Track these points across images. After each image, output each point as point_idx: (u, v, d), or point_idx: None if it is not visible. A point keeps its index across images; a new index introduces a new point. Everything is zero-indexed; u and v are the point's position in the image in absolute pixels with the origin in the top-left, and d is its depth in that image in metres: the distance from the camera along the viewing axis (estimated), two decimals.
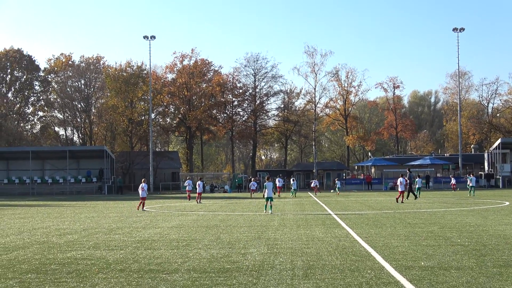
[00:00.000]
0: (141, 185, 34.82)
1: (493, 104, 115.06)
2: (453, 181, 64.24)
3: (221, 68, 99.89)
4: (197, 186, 43.37)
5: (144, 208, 34.13)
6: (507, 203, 35.72)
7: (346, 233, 18.32)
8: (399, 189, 38.15)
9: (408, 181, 43.61)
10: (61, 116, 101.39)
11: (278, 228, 20.39)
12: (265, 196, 29.48)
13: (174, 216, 27.84)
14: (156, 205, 40.22)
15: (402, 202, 37.35)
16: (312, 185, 61.92)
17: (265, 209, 29.36)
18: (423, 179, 68.03)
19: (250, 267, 11.98)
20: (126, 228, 21.85)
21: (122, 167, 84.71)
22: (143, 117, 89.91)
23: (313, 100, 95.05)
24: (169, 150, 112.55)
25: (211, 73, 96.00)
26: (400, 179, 38.53)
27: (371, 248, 14.45)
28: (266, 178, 32.21)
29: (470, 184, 49.85)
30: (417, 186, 44.67)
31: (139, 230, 20.88)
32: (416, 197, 42.38)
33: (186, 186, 49.28)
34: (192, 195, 47.77)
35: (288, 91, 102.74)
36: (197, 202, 41.33)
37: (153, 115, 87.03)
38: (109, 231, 20.77)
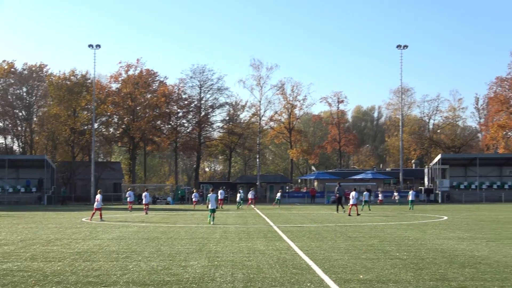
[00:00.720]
0: (97, 196, 35.53)
1: (434, 120, 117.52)
2: (380, 196, 63.98)
3: (167, 79, 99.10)
4: (143, 197, 43.56)
5: (102, 219, 34.68)
6: (446, 217, 36.42)
7: (287, 246, 18.38)
8: (351, 202, 39.01)
9: (338, 194, 44.78)
10: (0, 124, 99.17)
11: (219, 241, 20.34)
12: (209, 207, 30.04)
13: (114, 228, 27.50)
14: (96, 216, 39.64)
15: (358, 214, 38.68)
16: (249, 196, 62.33)
17: (209, 221, 29.70)
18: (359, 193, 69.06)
19: (190, 279, 11.91)
20: (65, 239, 21.47)
21: (62, 177, 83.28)
22: (86, 127, 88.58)
23: (258, 113, 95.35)
24: (112, 160, 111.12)
25: (156, 84, 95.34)
26: (352, 193, 39.59)
27: (311, 261, 14.53)
28: (210, 190, 32.77)
29: (410, 198, 50.94)
30: (364, 199, 45.46)
31: (78, 241, 20.54)
32: (344, 211, 43.25)
33: (127, 198, 48.95)
34: (134, 206, 47.29)
35: (234, 103, 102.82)
36: (146, 213, 41.60)
37: (96, 125, 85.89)
38: (47, 242, 20.38)
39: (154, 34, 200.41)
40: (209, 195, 30.98)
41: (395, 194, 67.33)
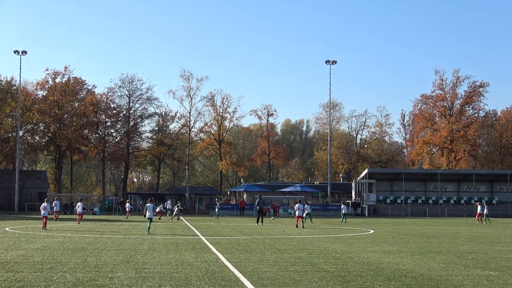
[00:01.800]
0: (42, 204, 35.61)
1: (361, 135, 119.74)
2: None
3: (95, 87, 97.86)
4: (76, 207, 43.60)
5: (45, 227, 34.34)
6: (372, 231, 37.00)
7: (216, 258, 18.30)
8: (296, 214, 39.94)
9: (258, 207, 45.53)
10: None
11: (147, 252, 20.08)
12: (146, 216, 31.44)
13: (39, 238, 26.81)
14: (20, 226, 38.63)
15: (303, 227, 38.99)
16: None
17: (148, 230, 30.77)
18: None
19: None
20: None
21: None
22: (10, 134, 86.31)
23: (188, 124, 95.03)
24: (37, 169, 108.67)
25: (84, 92, 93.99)
26: (297, 205, 40.43)
27: (240, 273, 14.49)
28: (148, 200, 34.14)
29: (343, 212, 52.52)
30: (306, 212, 46.01)
31: (1, 251, 19.92)
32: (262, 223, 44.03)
33: (53, 207, 47.98)
34: (61, 216, 46.29)
35: (163, 114, 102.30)
36: (78, 223, 41.26)
37: (21, 133, 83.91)
38: None
39: (82, 42, 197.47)
40: (147, 204, 32.24)
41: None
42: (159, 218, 55.52)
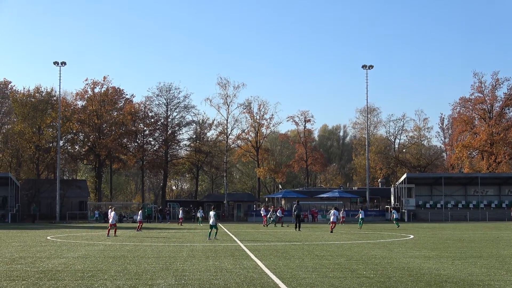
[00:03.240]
0: (110, 212, 37.74)
1: (399, 140, 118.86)
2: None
3: (133, 96, 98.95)
4: (109, 217, 43.29)
5: (111, 234, 36.37)
6: (412, 236, 36.68)
7: (255, 265, 18.32)
8: (331, 220, 42.80)
9: (296, 212, 46.11)
10: None
11: (186, 259, 20.20)
12: (210, 223, 32.81)
13: (80, 246, 27.17)
14: (62, 234, 39.17)
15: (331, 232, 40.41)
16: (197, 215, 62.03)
17: (209, 236, 32.72)
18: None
19: None
20: (29, 257, 21.14)
21: (27, 195, 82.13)
22: (51, 144, 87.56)
23: (225, 131, 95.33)
24: (77, 178, 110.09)
25: (123, 101, 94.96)
26: (332, 211, 43.34)
27: (278, 280, 14.50)
28: (212, 207, 35.45)
29: (360, 217, 52.22)
30: (361, 216, 47.37)
31: (43, 260, 20.24)
32: (299, 229, 45.29)
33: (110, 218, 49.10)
34: (101, 224, 46.82)
35: (200, 121, 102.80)
36: (114, 234, 39.61)
37: (61, 142, 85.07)
38: (11, 261, 20.04)
39: (120, 52, 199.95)
40: (210, 212, 33.62)
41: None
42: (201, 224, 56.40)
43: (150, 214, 73.18)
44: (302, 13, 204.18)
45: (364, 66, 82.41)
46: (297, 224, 45.49)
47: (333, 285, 13.64)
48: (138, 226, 45.00)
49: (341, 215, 59.99)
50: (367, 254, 22.31)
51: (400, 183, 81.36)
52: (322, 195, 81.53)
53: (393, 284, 13.79)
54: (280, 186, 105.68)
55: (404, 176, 79.71)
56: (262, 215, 58.23)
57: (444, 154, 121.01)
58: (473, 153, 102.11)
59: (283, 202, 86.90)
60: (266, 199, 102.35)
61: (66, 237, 36.25)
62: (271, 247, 26.11)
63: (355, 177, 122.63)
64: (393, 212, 55.49)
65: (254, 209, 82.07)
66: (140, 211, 48.95)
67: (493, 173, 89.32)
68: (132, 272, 16.34)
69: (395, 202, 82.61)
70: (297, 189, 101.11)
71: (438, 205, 78.82)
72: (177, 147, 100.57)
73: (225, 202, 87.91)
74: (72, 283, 14.20)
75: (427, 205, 79.13)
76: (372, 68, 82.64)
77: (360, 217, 51.91)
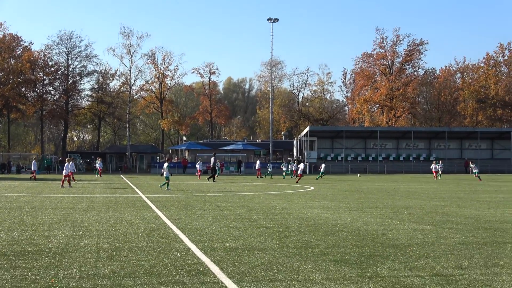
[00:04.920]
0: (66, 164, 36.98)
1: (303, 93, 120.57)
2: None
3: (32, 44, 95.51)
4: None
5: (69, 185, 36.60)
6: (312, 187, 37.46)
7: (155, 215, 18.23)
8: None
9: (212, 164, 47.24)
10: None
11: (85, 210, 19.87)
12: (164, 175, 33.18)
13: None
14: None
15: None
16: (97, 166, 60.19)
17: (163, 187, 33.67)
18: (235, 164, 70.98)
19: (53, 249, 11.53)
20: None
21: None
22: None
23: (128, 82, 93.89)
24: None
25: (21, 49, 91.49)
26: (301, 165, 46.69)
27: (179, 230, 14.47)
28: (165, 158, 37.86)
29: (284, 169, 55.32)
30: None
31: None
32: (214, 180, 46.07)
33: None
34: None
35: (103, 71, 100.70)
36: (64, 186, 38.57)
37: None
38: None
39: None
40: (164, 164, 34.31)
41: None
42: (100, 176, 55.57)
43: (49, 166, 71.54)
44: None
45: (269, 19, 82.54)
46: (213, 175, 46.58)
47: (232, 235, 13.74)
48: (33, 175, 44.09)
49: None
50: (267, 205, 22.61)
51: (302, 136, 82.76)
52: (226, 147, 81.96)
53: (291, 234, 14.02)
54: (184, 138, 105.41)
55: (307, 129, 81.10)
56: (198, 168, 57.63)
57: (346, 108, 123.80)
58: (374, 107, 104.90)
59: (186, 154, 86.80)
60: (170, 151, 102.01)
61: None
62: (172, 199, 26.05)
63: (259, 130, 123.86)
64: (283, 165, 58.68)
65: (158, 160, 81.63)
66: (34, 161, 48.09)
67: (392, 127, 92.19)
68: (28, 223, 15.92)
69: (297, 154, 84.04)
70: (201, 141, 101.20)
71: (339, 158, 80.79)
72: (79, 97, 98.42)
73: (127, 153, 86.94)
74: None
75: (328, 158, 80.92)
76: (277, 21, 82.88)
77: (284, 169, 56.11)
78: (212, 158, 48.64)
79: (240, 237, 13.39)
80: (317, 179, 51.05)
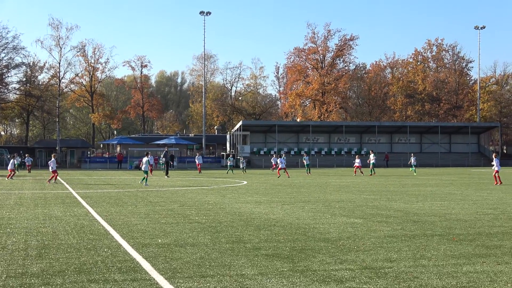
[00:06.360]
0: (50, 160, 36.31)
1: (236, 87, 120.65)
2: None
3: None
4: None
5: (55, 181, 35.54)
6: (245, 182, 37.57)
7: (86, 212, 17.96)
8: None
9: (164, 159, 47.57)
10: None
11: (13, 207, 19.41)
12: (143, 169, 33.38)
13: None
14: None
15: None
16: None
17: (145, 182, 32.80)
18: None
19: None
20: None
21: None
22: None
23: (58, 74, 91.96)
24: None
25: None
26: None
27: (110, 227, 14.29)
28: (145, 153, 36.20)
29: (229, 164, 55.31)
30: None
31: None
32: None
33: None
34: None
35: (31, 64, 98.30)
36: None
37: None
38: None
39: None
40: (144, 158, 34.17)
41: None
42: (29, 172, 54.59)
43: None
44: None
45: (201, 13, 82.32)
46: (167, 170, 46.55)
47: (164, 230, 13.65)
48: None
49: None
50: (200, 200, 22.56)
51: (235, 130, 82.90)
52: (158, 142, 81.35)
53: (224, 229, 14.02)
54: (115, 132, 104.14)
55: (240, 123, 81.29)
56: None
57: (278, 102, 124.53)
58: (306, 102, 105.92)
59: (118, 148, 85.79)
60: (101, 146, 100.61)
61: None
62: (104, 194, 25.71)
63: (192, 124, 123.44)
64: (228, 159, 57.96)
65: (88, 155, 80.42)
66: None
67: (324, 121, 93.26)
68: None
69: (230, 148, 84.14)
70: (133, 135, 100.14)
71: (272, 152, 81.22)
72: (6, 91, 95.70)
73: (57, 148, 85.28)
74: None
75: (261, 152, 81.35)
76: (209, 14, 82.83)
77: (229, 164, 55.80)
78: (163, 153, 49.01)
79: (172, 232, 13.31)
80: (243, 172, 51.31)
